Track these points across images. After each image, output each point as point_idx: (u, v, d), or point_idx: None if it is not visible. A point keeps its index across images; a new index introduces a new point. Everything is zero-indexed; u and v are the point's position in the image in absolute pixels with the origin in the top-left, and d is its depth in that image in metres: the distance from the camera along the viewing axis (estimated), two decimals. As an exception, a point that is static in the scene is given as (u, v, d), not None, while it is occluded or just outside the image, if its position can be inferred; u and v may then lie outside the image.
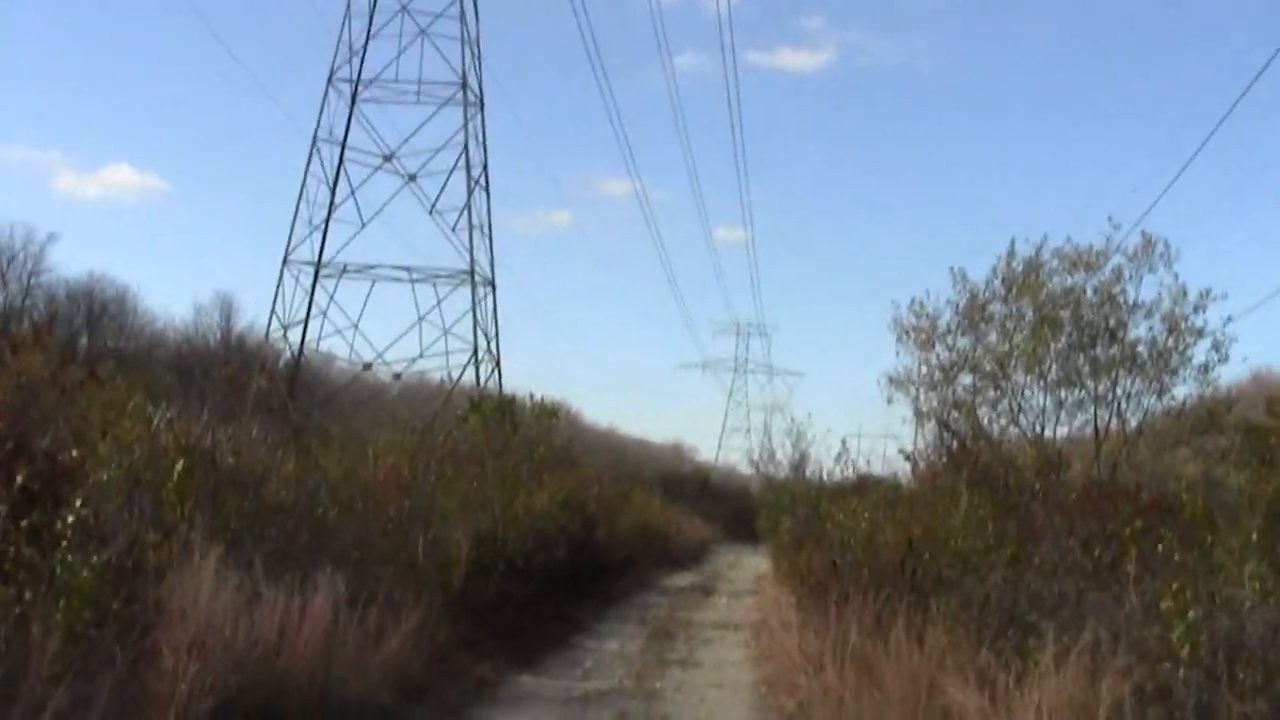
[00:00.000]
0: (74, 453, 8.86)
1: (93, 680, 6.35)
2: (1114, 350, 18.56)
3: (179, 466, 9.32)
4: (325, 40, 54.99)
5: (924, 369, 19.47)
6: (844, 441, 21.88)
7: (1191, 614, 6.66)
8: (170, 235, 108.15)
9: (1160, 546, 8.15)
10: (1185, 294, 17.76)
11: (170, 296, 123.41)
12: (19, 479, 6.77)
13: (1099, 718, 6.75)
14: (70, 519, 6.95)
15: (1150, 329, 18.12)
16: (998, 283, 19.03)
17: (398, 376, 47.07)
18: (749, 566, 37.85)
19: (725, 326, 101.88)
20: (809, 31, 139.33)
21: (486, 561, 14.51)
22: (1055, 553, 9.45)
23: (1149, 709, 6.68)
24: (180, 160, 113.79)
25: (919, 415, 19.61)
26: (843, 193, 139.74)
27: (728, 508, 64.71)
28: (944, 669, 8.74)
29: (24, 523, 6.58)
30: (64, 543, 6.68)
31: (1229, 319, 17.67)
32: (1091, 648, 7.32)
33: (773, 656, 15.07)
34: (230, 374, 14.69)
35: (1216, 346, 17.77)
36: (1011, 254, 18.75)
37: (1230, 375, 18.45)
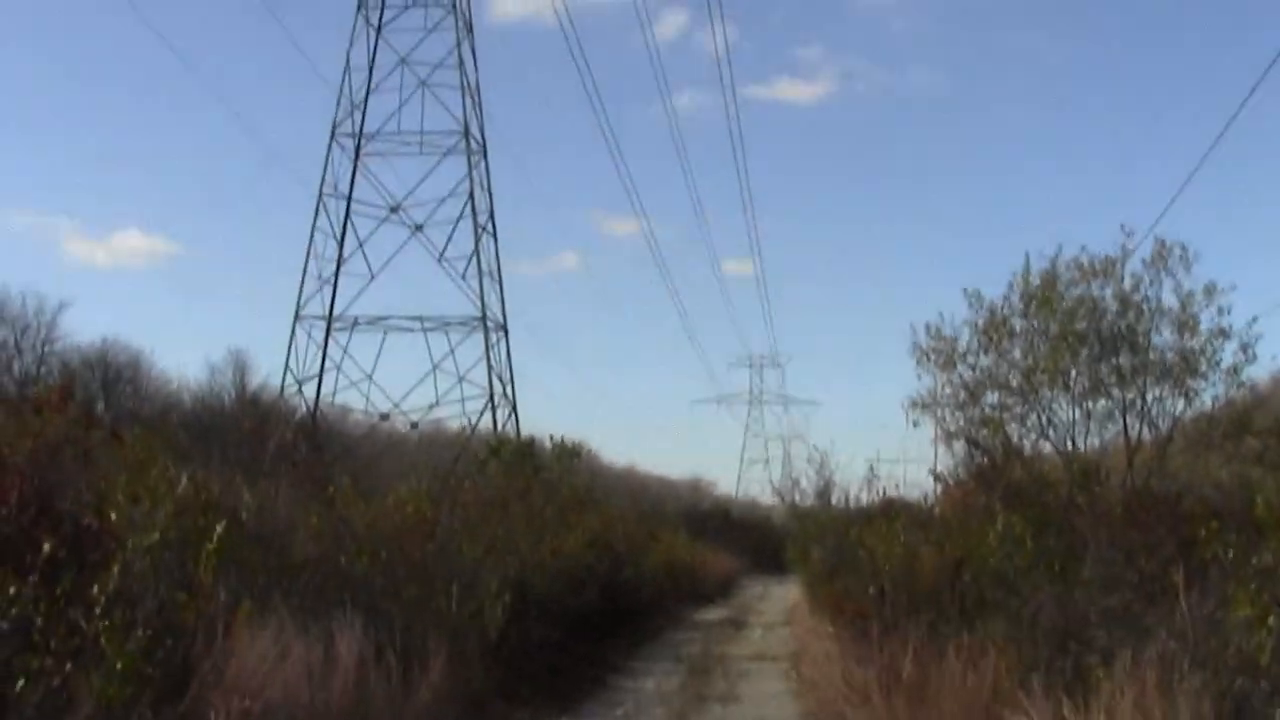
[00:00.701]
0: (101, 516, 8.73)
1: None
2: (1137, 358, 18.30)
3: (219, 528, 9.11)
4: (326, 96, 54.97)
5: (948, 389, 19.21)
6: (871, 466, 21.49)
7: (1272, 620, 6.37)
8: (181, 297, 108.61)
9: (1230, 552, 7.86)
10: (1192, 295, 17.51)
11: (184, 358, 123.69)
12: (46, 546, 6.60)
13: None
14: (110, 585, 6.75)
15: (1171, 334, 17.83)
16: (1016, 299, 18.77)
17: (415, 426, 46.90)
18: (778, 597, 37.49)
19: (739, 360, 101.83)
20: (807, 62, 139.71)
21: (518, 606, 14.29)
22: (1103, 566, 9.18)
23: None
24: (188, 222, 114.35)
25: (946, 435, 19.36)
26: (849, 218, 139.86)
27: (751, 540, 64.22)
28: (1000, 694, 8.47)
29: (58, 590, 6.38)
30: (97, 610, 6.47)
31: (1255, 319, 17.38)
32: (1158, 663, 7.07)
33: (815, 688, 14.78)
34: (251, 428, 14.57)
35: (1244, 347, 17.49)
36: (1027, 269, 18.51)
37: (1260, 374, 18.14)
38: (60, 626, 6.33)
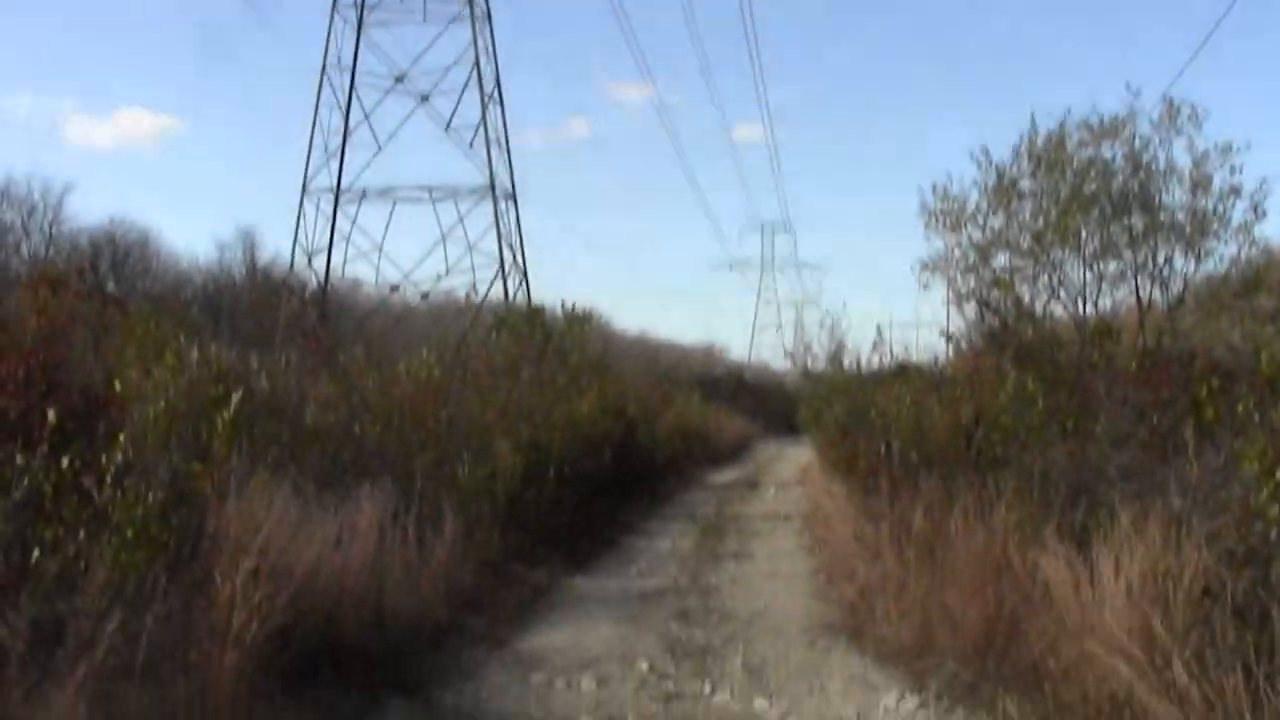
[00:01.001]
0: (110, 388, 8.77)
1: (144, 614, 6.22)
2: (1149, 218, 18.13)
3: (235, 398, 9.13)
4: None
5: (957, 252, 19.08)
6: (879, 328, 21.47)
7: None
8: (188, 174, 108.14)
9: (1240, 407, 7.84)
10: (1207, 154, 17.27)
11: (193, 236, 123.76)
12: (51, 417, 6.62)
13: (1185, 583, 6.53)
14: (118, 455, 6.77)
15: (1184, 194, 17.63)
16: (1025, 160, 18.55)
17: (425, 296, 46.91)
18: (791, 458, 37.79)
19: (750, 225, 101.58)
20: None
21: (531, 470, 14.40)
22: (1115, 424, 9.19)
23: (1242, 571, 6.45)
24: (192, 98, 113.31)
25: (957, 297, 19.28)
26: (860, 83, 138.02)
27: (764, 404, 64.58)
28: (1009, 546, 8.53)
29: (65, 462, 6.41)
30: (107, 479, 6.50)
31: (1264, 180, 17.18)
32: (1168, 515, 7.10)
33: (827, 545, 14.96)
34: (260, 301, 14.57)
35: (1255, 206, 17.32)
36: (1034, 130, 18.26)
37: (1271, 233, 17.99)
38: (72, 496, 6.36)
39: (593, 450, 18.08)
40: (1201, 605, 6.48)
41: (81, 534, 6.18)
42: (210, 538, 7.10)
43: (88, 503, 6.35)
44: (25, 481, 6.19)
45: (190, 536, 6.99)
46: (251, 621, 6.85)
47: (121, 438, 6.84)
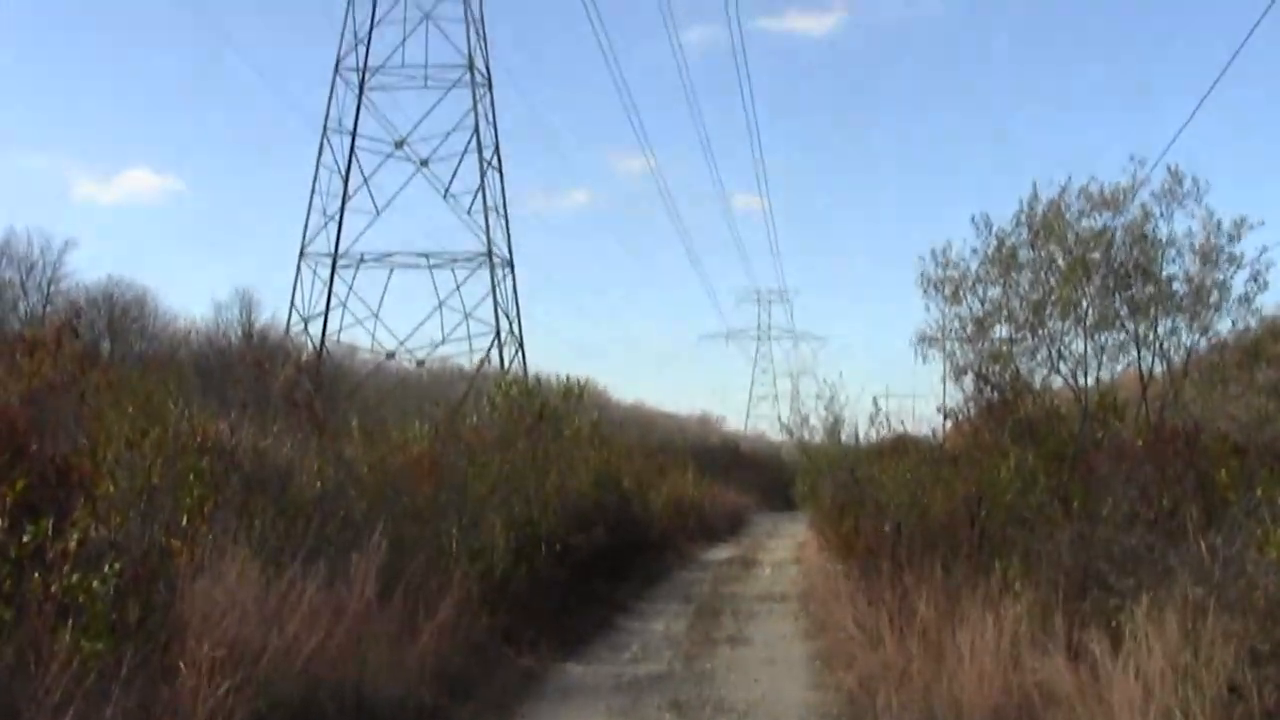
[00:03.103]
0: (83, 458, 8.45)
1: (106, 704, 5.88)
2: (1150, 289, 17.96)
3: (217, 468, 8.84)
4: (330, 30, 54.42)
5: (956, 322, 18.91)
6: (876, 401, 21.24)
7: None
8: (189, 235, 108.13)
9: (1260, 490, 7.55)
10: (1220, 225, 17.15)
11: (191, 296, 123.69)
12: (18, 488, 6.31)
13: (1207, 685, 6.19)
14: (86, 530, 6.46)
15: (1185, 265, 17.48)
16: (1024, 228, 18.43)
17: (421, 364, 46.74)
18: (788, 534, 37.36)
19: (747, 294, 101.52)
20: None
21: (524, 546, 14.06)
22: (1126, 503, 8.90)
23: (1265, 671, 6.12)
24: (195, 161, 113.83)
25: (955, 370, 19.07)
26: (859, 152, 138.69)
27: (760, 476, 64.17)
28: (1020, 638, 8.20)
29: (26, 537, 6.10)
30: (69, 558, 6.18)
31: (1264, 249, 17.03)
32: (1185, 606, 6.78)
33: (825, 629, 14.58)
34: (255, 364, 14.32)
35: (1255, 276, 17.17)
36: (1035, 198, 18.15)
37: (1270, 303, 17.82)
38: (33, 575, 6.04)
39: (586, 525, 17.75)
40: (1229, 707, 6.12)
41: (41, 617, 5.85)
42: (176, 622, 6.76)
43: (49, 582, 6.03)
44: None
45: (158, 618, 6.66)
46: (217, 716, 6.49)
47: (88, 512, 6.52)
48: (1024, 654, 8.04)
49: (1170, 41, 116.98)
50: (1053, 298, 18.12)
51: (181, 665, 6.55)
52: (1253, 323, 17.48)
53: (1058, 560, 8.91)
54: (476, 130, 45.92)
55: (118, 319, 49.92)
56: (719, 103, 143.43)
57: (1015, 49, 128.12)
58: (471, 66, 46.21)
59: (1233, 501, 7.98)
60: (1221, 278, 17.21)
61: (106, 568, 6.29)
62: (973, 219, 18.44)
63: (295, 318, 46.08)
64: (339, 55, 46.89)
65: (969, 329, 18.97)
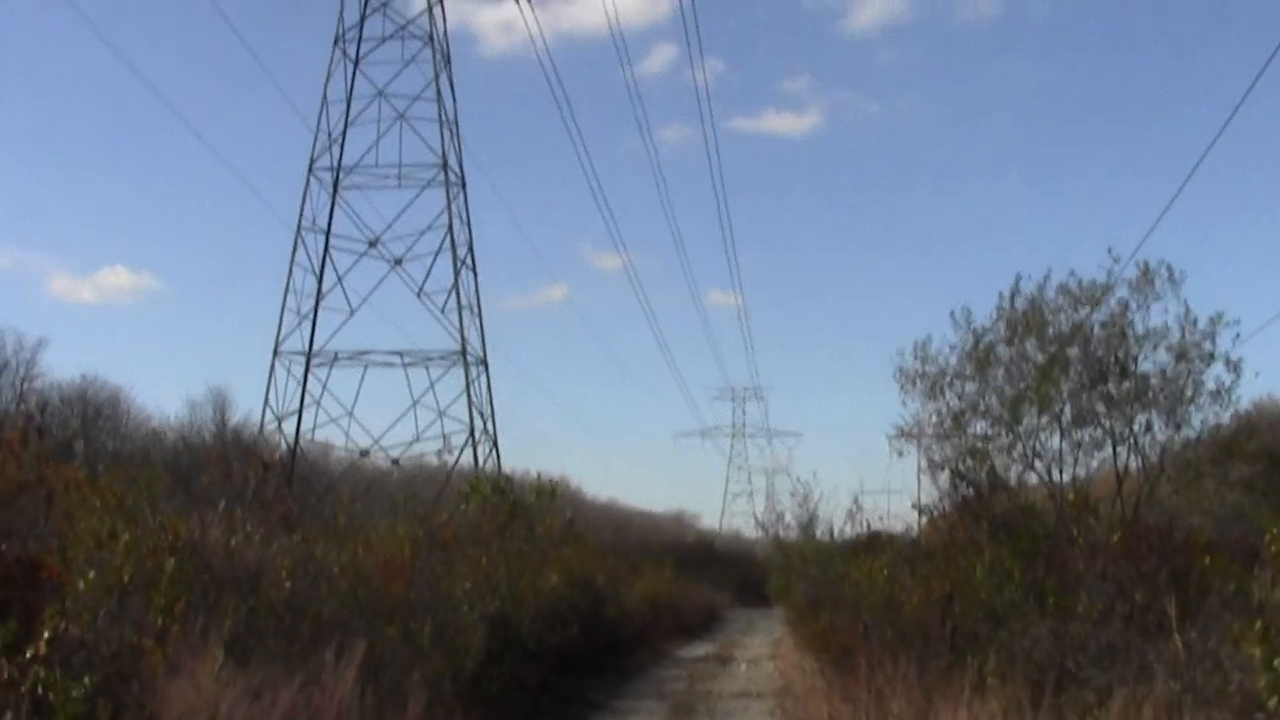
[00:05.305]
0: (51, 560, 8.37)
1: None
2: (1126, 385, 18.04)
3: (168, 568, 8.76)
4: (305, 130, 54.71)
5: (934, 418, 18.95)
6: (856, 499, 21.26)
7: (1278, 661, 6.04)
8: (164, 334, 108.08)
9: (1234, 587, 7.57)
10: (1195, 322, 17.29)
11: (165, 395, 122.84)
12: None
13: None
14: (45, 634, 6.37)
15: (1159, 362, 17.59)
16: (1001, 324, 18.54)
17: (395, 462, 46.50)
18: (763, 630, 37.10)
19: (722, 392, 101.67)
20: (794, 94, 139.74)
21: (498, 646, 13.94)
22: (1101, 599, 8.90)
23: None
24: (173, 259, 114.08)
25: (931, 466, 19.06)
26: (835, 250, 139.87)
27: (735, 573, 63.92)
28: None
29: (-5, 639, 6.02)
30: (38, 659, 6.10)
31: (1237, 335, 17.14)
32: (1159, 702, 6.77)
33: (802, 727, 14.45)
34: (223, 462, 14.25)
35: (1231, 366, 17.23)
36: (1015, 293, 18.28)
37: (1246, 394, 17.89)
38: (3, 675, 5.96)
39: (560, 624, 17.61)
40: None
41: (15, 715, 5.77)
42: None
43: (16, 684, 5.94)
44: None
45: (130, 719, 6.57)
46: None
47: (57, 611, 6.45)
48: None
49: (1144, 137, 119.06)
50: (1030, 395, 18.20)
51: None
52: (1225, 419, 17.58)
53: (1031, 656, 8.90)
54: (450, 229, 46.15)
55: (90, 418, 49.67)
56: (694, 199, 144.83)
57: (997, 147, 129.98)
58: (445, 166, 46.54)
59: (1208, 595, 7.98)
60: (1195, 372, 17.32)
61: (87, 679, 6.18)
62: (952, 314, 18.51)
63: (269, 416, 45.84)
64: (313, 155, 47.14)
65: (946, 424, 19.02)
